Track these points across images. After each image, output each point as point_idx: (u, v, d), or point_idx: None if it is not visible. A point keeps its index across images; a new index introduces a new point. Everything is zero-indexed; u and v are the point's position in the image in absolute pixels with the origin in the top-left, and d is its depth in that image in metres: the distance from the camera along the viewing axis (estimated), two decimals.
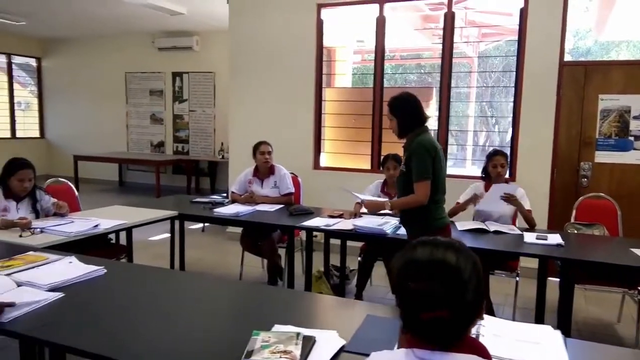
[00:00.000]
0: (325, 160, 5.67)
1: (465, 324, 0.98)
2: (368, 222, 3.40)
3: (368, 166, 5.38)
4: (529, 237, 3.23)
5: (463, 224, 3.52)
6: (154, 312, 1.85)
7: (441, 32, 7.06)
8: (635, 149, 4.45)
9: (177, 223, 4.24)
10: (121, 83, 10.06)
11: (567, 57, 4.64)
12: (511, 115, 4.77)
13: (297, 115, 5.58)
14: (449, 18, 4.90)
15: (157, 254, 4.96)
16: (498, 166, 3.64)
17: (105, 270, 2.23)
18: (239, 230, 5.26)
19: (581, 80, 4.54)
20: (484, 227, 3.45)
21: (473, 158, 6.65)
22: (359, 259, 3.88)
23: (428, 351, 0.97)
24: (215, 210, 3.88)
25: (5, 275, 2.05)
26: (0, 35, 9.83)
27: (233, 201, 4.28)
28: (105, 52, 10.13)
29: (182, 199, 4.86)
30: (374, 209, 3.02)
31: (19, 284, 1.98)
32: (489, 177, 3.72)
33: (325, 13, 5.40)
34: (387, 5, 5.14)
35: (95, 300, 1.95)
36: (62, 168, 10.03)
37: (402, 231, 3.32)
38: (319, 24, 5.39)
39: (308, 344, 1.53)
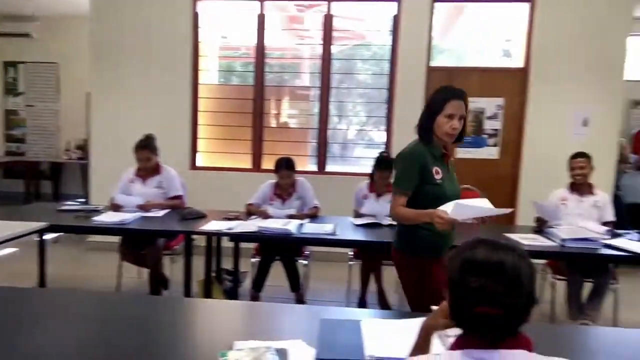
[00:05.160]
0: (202, 160, 5.40)
1: (515, 324, 1.02)
2: (271, 222, 3.34)
3: (249, 165, 5.27)
4: None
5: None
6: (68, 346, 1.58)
7: (306, 33, 7.20)
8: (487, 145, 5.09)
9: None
10: None
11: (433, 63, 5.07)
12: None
13: (171, 113, 5.22)
14: (328, 21, 5.07)
15: (9, 274, 4.23)
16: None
17: None
18: (100, 238, 4.76)
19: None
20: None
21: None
22: (253, 260, 3.79)
23: (483, 350, 0.98)
24: (95, 219, 3.42)
25: None
26: None
27: (113, 207, 3.80)
28: None
29: (41, 207, 4.21)
30: None
31: None
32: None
33: (200, 6, 5.13)
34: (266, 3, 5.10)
35: None
36: None
37: (306, 229, 3.32)
38: (195, 17, 5.11)
39: (284, 357, 1.45)
